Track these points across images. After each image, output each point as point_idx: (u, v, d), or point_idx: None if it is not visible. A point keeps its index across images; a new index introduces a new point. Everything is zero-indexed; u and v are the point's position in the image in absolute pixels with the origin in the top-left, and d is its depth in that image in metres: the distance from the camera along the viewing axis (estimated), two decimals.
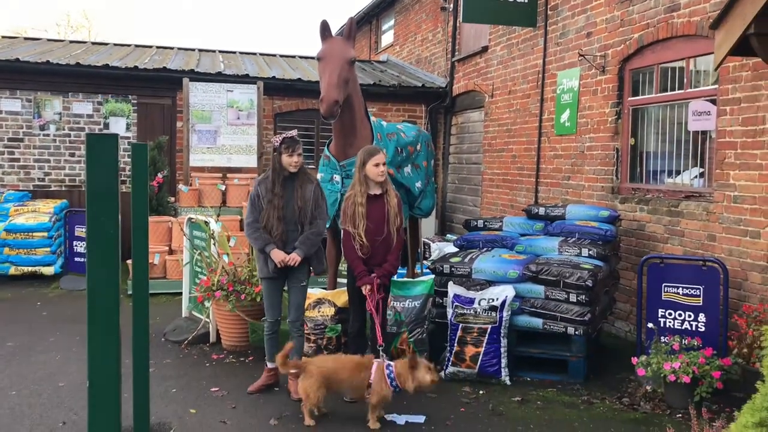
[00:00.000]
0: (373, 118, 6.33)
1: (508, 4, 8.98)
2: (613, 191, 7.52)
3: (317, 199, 5.14)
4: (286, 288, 5.36)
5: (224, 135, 10.78)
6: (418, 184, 6.64)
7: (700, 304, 5.53)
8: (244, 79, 11.21)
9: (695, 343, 5.29)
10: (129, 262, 9.09)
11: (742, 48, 4.96)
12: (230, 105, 10.77)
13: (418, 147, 6.76)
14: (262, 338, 6.22)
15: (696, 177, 6.64)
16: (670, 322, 5.64)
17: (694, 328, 5.53)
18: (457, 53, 11.89)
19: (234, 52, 14.53)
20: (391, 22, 15.95)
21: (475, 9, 8.94)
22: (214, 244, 6.66)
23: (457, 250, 6.81)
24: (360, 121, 6.01)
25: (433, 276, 6.09)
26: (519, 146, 9.56)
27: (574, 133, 8.21)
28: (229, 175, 10.46)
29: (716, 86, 6.15)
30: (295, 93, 11.84)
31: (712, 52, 6.14)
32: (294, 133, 5.08)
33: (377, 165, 5.03)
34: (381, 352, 4.75)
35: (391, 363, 4.68)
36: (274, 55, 14.94)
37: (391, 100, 12.28)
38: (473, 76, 11.15)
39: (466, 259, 6.16)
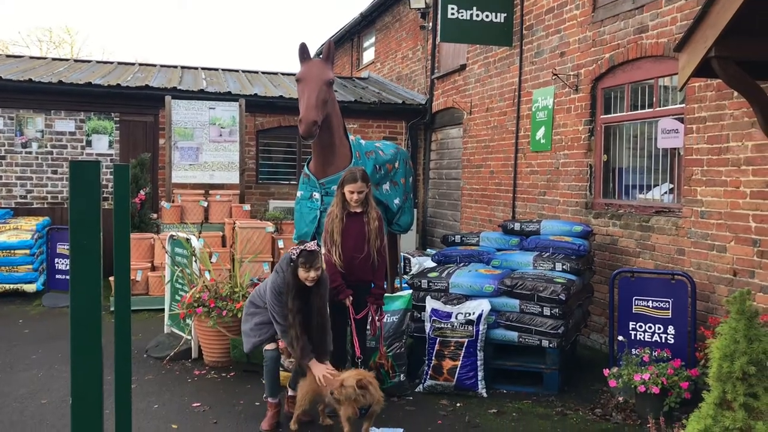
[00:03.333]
0: (351, 137, 6.48)
1: (484, 24, 9.19)
2: (587, 206, 7.71)
3: (324, 305, 4.95)
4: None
5: (206, 152, 10.89)
6: (397, 201, 6.79)
7: (670, 316, 5.71)
8: (226, 96, 11.34)
9: (665, 355, 5.46)
10: (111, 278, 9.15)
11: (704, 70, 5.18)
12: (212, 122, 10.89)
13: (397, 165, 6.92)
14: (244, 354, 6.35)
15: (666, 193, 6.84)
16: (640, 334, 5.81)
17: (663, 340, 5.71)
18: (436, 71, 12.09)
19: (216, 69, 14.66)
20: (372, 40, 16.16)
21: (452, 29, 9.13)
22: (196, 261, 6.75)
23: (434, 264, 6.95)
24: (339, 140, 6.15)
25: (411, 291, 6.22)
26: (497, 162, 9.75)
27: (549, 150, 8.41)
28: (211, 192, 10.57)
29: (683, 105, 6.36)
30: (278, 110, 11.97)
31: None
32: (313, 245, 4.81)
33: (352, 192, 5.15)
34: (359, 365, 4.86)
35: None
36: (257, 72, 15.08)
37: (372, 116, 12.45)
38: (452, 94, 11.35)
39: (444, 274, 6.31)
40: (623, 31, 7.10)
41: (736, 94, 5.66)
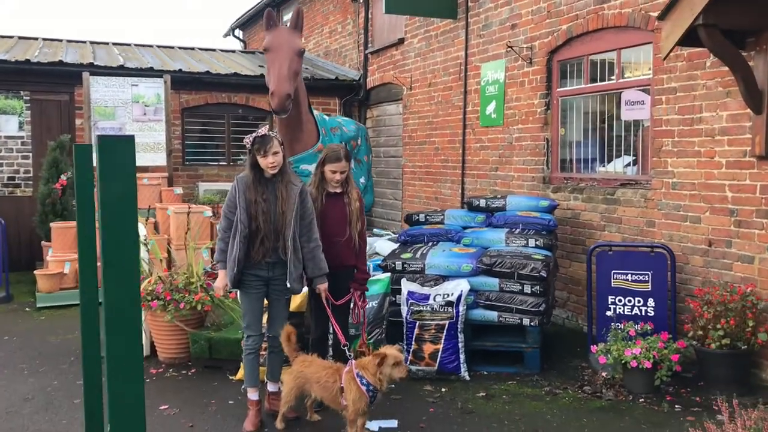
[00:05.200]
0: (315, 112, 6.07)
1: None
2: (545, 181, 7.61)
3: (305, 203, 4.61)
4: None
5: (130, 132, 10.10)
6: (362, 180, 6.45)
7: (649, 289, 5.67)
8: (149, 72, 10.56)
9: (648, 328, 5.41)
10: (37, 272, 8.35)
11: (688, 39, 5.11)
12: (135, 100, 10.12)
13: (359, 141, 6.57)
14: (204, 349, 5.88)
15: (629, 165, 6.82)
16: (620, 308, 5.76)
17: (643, 313, 5.67)
18: (370, 45, 11.72)
19: (129, 45, 13.69)
20: None
21: (397, 1, 8.80)
22: (147, 251, 6.18)
23: (398, 245, 6.67)
24: (305, 115, 5.74)
25: (388, 274, 5.91)
26: (442, 138, 9.54)
27: (501, 125, 8.26)
28: (137, 175, 9.81)
29: (649, 76, 6.32)
30: (204, 86, 11.30)
31: (645, 43, 6.34)
32: (264, 130, 4.55)
33: (334, 172, 4.78)
34: (348, 352, 4.52)
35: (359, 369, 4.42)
36: (173, 47, 14.20)
37: None
38: (389, 69, 11.03)
39: (418, 255, 6.04)
40: (582, 1, 6.99)
41: (708, 64, 5.65)
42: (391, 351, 4.34)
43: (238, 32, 19.52)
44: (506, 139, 8.19)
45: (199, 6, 48.12)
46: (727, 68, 5.38)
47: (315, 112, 6.06)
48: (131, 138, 2.04)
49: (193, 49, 14.40)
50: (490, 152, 8.52)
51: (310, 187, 4.84)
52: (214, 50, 14.52)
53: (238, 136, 11.84)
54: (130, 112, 10.09)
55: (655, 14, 6.06)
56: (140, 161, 10.10)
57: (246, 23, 18.65)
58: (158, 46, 14.01)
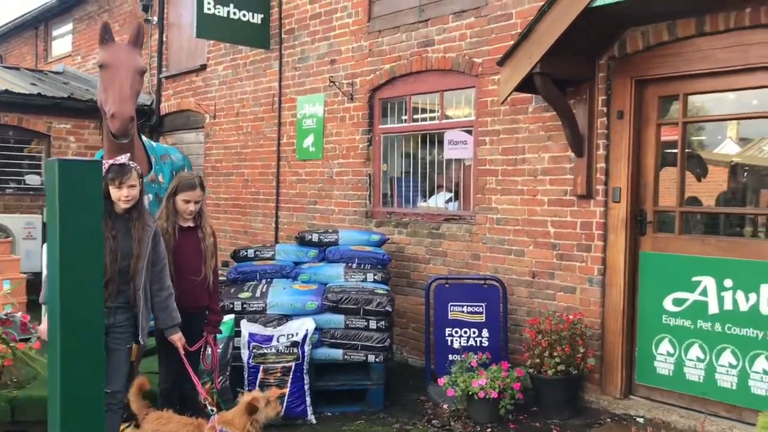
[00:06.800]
0: (143, 138, 5.51)
1: (241, 23, 8.64)
2: (367, 215, 7.68)
3: (158, 247, 4.11)
4: None
5: None
6: None
7: (483, 320, 5.94)
8: None
9: (486, 358, 5.63)
10: None
11: (523, 85, 5.49)
12: None
13: (185, 171, 6.09)
14: (6, 412, 5.00)
15: (450, 201, 7.12)
16: (457, 340, 5.94)
17: (478, 344, 5.91)
18: (164, 70, 11.05)
19: None
20: (68, 29, 14.26)
21: (208, 25, 8.40)
22: None
23: (229, 283, 6.26)
24: (137, 141, 5.18)
25: (232, 316, 5.49)
26: (252, 170, 9.24)
27: (321, 158, 8.20)
28: None
29: (472, 118, 6.68)
30: None
31: (469, 87, 6.71)
32: (124, 158, 4.00)
33: (188, 202, 4.39)
34: (209, 408, 4.10)
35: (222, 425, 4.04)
36: None
37: (89, 116, 10.86)
38: (188, 95, 10.48)
39: (258, 293, 5.71)
40: (405, 43, 7.21)
41: (531, 109, 6.11)
42: (254, 394, 4.07)
43: None
44: (326, 173, 8.15)
45: None
46: (548, 114, 5.88)
47: (143, 138, 5.52)
48: (98, 163, 1.65)
49: None
50: (308, 185, 8.40)
51: (160, 220, 4.37)
52: None
53: (8, 162, 10.47)
54: None
55: (479, 60, 6.46)
56: None
57: (3, 36, 16.72)
58: None
